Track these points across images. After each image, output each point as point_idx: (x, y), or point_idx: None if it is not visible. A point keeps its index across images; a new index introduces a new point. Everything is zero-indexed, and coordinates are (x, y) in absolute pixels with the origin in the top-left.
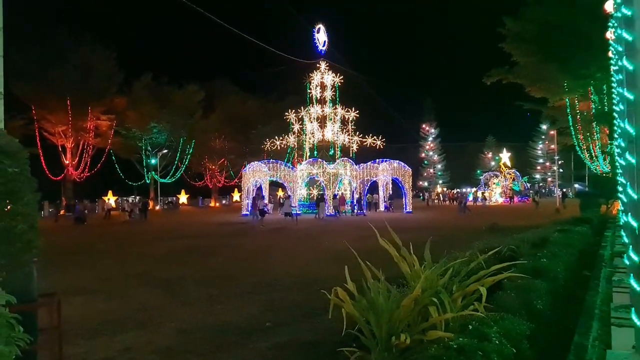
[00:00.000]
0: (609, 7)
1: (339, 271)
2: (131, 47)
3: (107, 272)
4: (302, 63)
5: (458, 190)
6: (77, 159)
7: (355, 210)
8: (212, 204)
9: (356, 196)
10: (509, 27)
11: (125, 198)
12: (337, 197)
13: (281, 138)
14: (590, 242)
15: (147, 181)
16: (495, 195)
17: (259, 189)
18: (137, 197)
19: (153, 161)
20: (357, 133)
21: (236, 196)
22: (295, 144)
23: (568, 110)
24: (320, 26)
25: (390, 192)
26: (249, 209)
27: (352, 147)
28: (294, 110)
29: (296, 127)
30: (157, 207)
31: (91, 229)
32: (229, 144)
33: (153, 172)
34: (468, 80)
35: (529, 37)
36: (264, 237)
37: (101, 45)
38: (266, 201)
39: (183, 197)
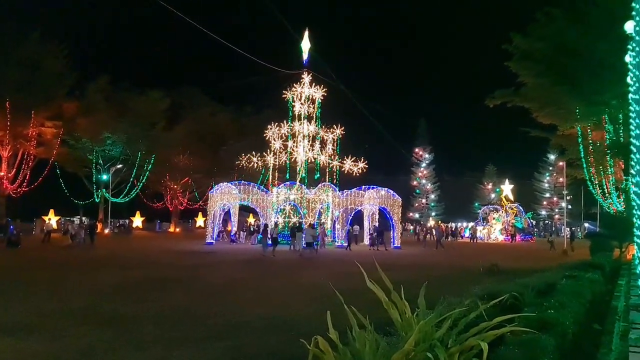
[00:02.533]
0: (629, 27)
1: (318, 313)
2: (87, 46)
3: (45, 306)
4: (282, 73)
5: (450, 224)
6: (15, 170)
7: (337, 243)
8: (171, 229)
9: (338, 226)
10: (516, 43)
11: (69, 219)
12: (317, 226)
13: (257, 156)
14: (602, 292)
15: (97, 200)
16: (495, 232)
17: (227, 213)
18: (84, 218)
19: (105, 177)
20: (343, 155)
21: (200, 221)
22: (272, 164)
23: (579, 139)
24: (305, 32)
25: (377, 223)
26: (232, 236)
27: (336, 170)
28: (272, 126)
29: (277, 144)
30: (107, 231)
31: (26, 253)
32: (194, 161)
33: (104, 190)
34: (468, 102)
35: (539, 56)
36: (234, 269)
37: (51, 40)
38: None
39: (138, 220)
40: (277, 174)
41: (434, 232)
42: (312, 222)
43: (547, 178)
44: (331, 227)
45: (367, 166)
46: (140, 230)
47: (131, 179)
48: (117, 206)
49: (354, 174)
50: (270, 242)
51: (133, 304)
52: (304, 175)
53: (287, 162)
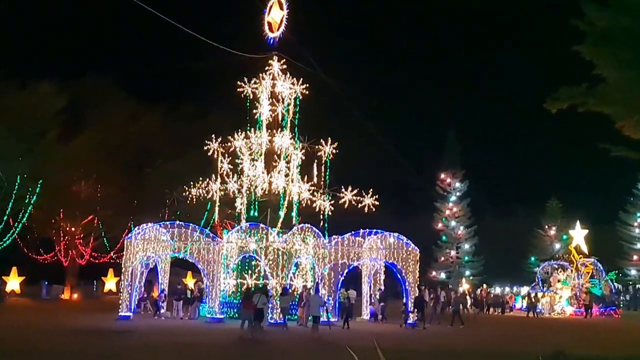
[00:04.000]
0: None
1: None
2: None
3: None
4: (239, 58)
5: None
6: None
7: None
8: (65, 295)
9: (323, 291)
10: (591, 18)
11: None
12: (289, 291)
13: (200, 183)
14: None
15: None
16: (562, 301)
17: (153, 271)
18: None
19: None
20: (335, 183)
21: (110, 283)
22: (220, 194)
23: None
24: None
25: (382, 287)
26: (159, 306)
27: (324, 205)
28: (223, 137)
29: (225, 165)
30: None
31: None
32: (104, 190)
33: None
34: (518, 105)
35: (624, 37)
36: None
37: None
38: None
39: (14, 281)
40: (230, 210)
41: (442, 299)
42: (285, 285)
43: (638, 221)
44: (315, 289)
45: (377, 203)
46: (16, 297)
47: (4, 218)
48: None
49: (361, 207)
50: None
51: None
52: (279, 212)
53: (246, 192)
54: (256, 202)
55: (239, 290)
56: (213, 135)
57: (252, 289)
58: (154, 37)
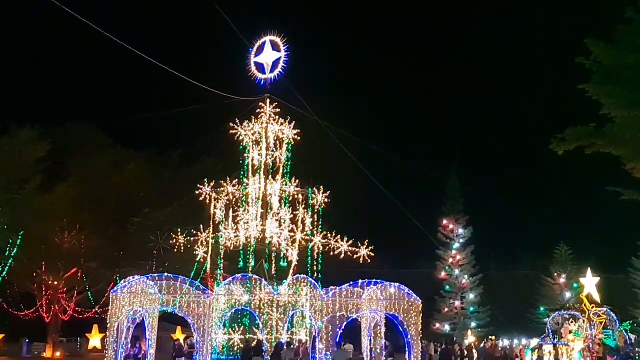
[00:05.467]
0: None
1: None
2: None
3: None
4: (229, 102)
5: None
6: None
7: None
8: (47, 354)
9: (320, 346)
10: (597, 56)
11: None
12: (284, 346)
13: (188, 233)
14: None
15: None
16: (574, 353)
17: (140, 327)
18: None
19: None
20: (331, 231)
21: (95, 340)
22: (211, 244)
23: None
24: (266, 41)
25: (384, 341)
26: None
27: (318, 254)
28: (214, 183)
29: (218, 212)
30: None
31: None
32: (88, 242)
33: None
34: (524, 146)
35: (632, 75)
36: None
37: None
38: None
39: None
40: (224, 263)
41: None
42: (280, 341)
43: None
44: (311, 346)
45: (372, 254)
46: None
47: None
48: None
49: (357, 256)
50: None
51: None
52: (267, 266)
53: (235, 242)
54: (253, 251)
55: (225, 345)
56: (206, 180)
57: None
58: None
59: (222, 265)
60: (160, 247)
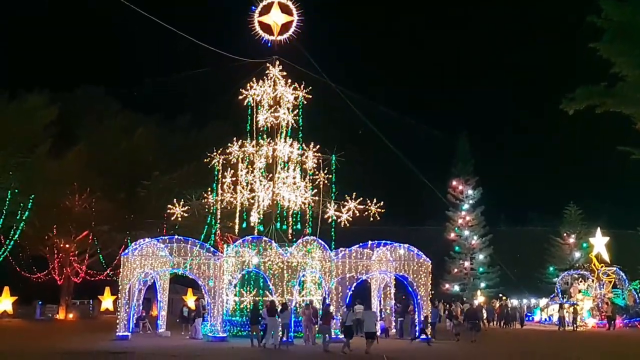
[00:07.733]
0: None
1: None
2: None
3: None
4: (237, 65)
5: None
6: None
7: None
8: (60, 315)
9: (333, 308)
10: (607, 14)
11: None
12: (289, 306)
13: (199, 196)
14: None
15: None
16: (582, 313)
17: (151, 289)
18: None
19: None
20: (340, 194)
21: (107, 301)
22: (220, 206)
23: None
24: (275, 2)
25: (394, 300)
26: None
27: (331, 217)
28: (222, 148)
29: (227, 178)
30: None
31: None
32: (98, 205)
33: None
34: (533, 107)
35: None
36: None
37: None
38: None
39: (6, 302)
40: (231, 223)
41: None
42: (285, 300)
43: None
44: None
45: (382, 210)
46: (9, 318)
47: None
48: None
49: (368, 216)
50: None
51: None
52: (277, 225)
53: (245, 203)
54: (261, 214)
55: (237, 306)
56: (214, 147)
57: (261, 305)
58: (147, 45)
59: (235, 227)
60: (171, 211)
